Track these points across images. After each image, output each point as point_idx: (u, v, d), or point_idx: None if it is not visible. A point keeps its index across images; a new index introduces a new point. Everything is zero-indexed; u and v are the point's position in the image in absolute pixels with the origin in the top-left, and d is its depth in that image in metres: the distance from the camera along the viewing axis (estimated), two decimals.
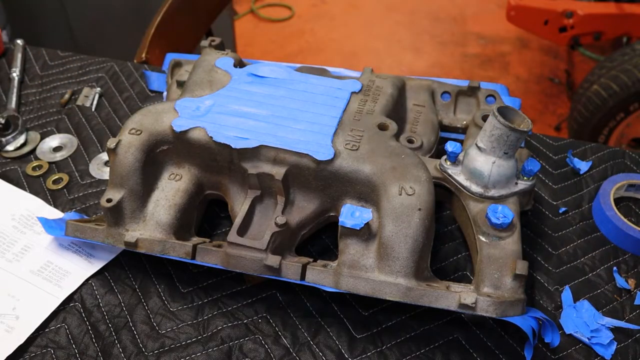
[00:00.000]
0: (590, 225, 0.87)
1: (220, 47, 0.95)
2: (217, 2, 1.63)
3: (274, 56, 2.76)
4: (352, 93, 0.82)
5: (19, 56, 1.14)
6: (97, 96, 1.07)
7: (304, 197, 0.77)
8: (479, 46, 2.82)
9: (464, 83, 0.90)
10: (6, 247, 0.83)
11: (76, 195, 0.90)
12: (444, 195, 0.79)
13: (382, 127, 0.78)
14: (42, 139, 0.99)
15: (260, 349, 0.73)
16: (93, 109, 1.05)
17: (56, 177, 0.93)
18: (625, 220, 0.84)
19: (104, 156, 0.96)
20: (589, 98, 1.82)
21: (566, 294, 0.78)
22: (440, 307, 0.67)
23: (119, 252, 0.82)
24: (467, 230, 0.77)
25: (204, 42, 0.93)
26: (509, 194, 0.74)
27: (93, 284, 0.79)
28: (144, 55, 1.28)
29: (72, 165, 0.95)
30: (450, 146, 0.74)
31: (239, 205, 0.77)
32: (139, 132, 0.77)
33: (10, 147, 0.97)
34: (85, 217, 0.85)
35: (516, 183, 0.74)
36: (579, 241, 0.85)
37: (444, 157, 0.76)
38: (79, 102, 1.06)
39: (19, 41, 1.16)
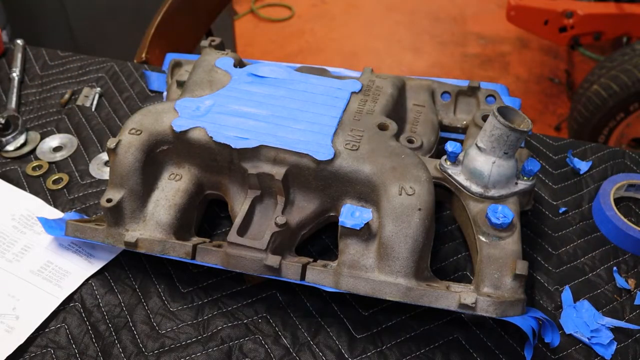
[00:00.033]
0: (590, 225, 0.87)
1: (220, 47, 0.95)
2: (217, 2, 1.63)
3: (274, 56, 2.76)
4: (352, 93, 0.82)
5: (19, 56, 1.14)
6: (97, 96, 1.07)
7: (304, 197, 0.77)
8: (479, 46, 2.82)
9: (464, 83, 0.90)
10: (6, 247, 0.83)
11: (76, 195, 0.90)
12: (444, 195, 0.79)
13: (382, 127, 0.78)
14: (42, 139, 0.99)
15: (260, 349, 0.73)
16: (93, 109, 1.05)
17: (56, 177, 0.93)
18: (625, 220, 0.84)
19: (104, 156, 0.97)
20: (589, 98, 1.82)
21: (566, 294, 0.78)
22: (440, 307, 0.67)
23: (119, 252, 0.82)
24: (467, 230, 0.77)
25: (204, 42, 0.94)
26: (509, 194, 0.74)
27: (93, 284, 0.80)
28: (144, 55, 1.28)
29: (72, 165, 0.95)
30: (450, 146, 0.74)
31: (239, 205, 0.77)
32: (139, 132, 0.77)
33: (10, 147, 0.97)
34: (85, 217, 0.85)
35: (516, 183, 0.74)
36: (579, 241, 0.85)
37: (444, 157, 0.76)
38: (79, 102, 1.06)
39: (19, 41, 1.16)
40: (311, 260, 0.74)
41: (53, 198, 0.90)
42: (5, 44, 1.18)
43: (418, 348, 0.73)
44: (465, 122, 0.88)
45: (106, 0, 1.89)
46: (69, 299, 0.78)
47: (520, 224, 0.72)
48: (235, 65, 0.87)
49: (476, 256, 0.72)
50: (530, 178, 0.75)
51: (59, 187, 0.91)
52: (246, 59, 0.94)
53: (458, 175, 0.75)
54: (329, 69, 0.92)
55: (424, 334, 0.74)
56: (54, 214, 0.87)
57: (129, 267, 0.81)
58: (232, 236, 0.72)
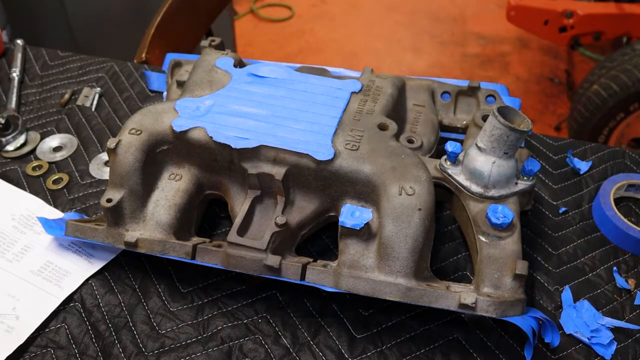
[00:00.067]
0: (590, 225, 0.87)
1: (220, 47, 0.95)
2: (217, 2, 1.63)
3: (274, 56, 2.76)
4: (352, 93, 0.82)
5: (19, 56, 1.14)
6: (97, 96, 1.07)
7: (304, 197, 0.77)
8: (479, 46, 2.82)
9: (464, 83, 0.90)
10: (6, 247, 0.83)
11: (76, 195, 0.90)
12: (444, 195, 0.79)
13: (382, 127, 0.78)
14: (42, 139, 0.99)
15: (260, 349, 0.73)
16: (93, 109, 1.05)
17: (56, 177, 0.93)
18: (625, 220, 0.84)
19: (104, 156, 0.96)
20: (589, 98, 1.82)
21: (566, 294, 0.78)
22: (440, 307, 0.67)
23: (119, 252, 0.82)
24: (467, 230, 0.77)
25: (204, 42, 0.93)
26: (509, 194, 0.74)
27: (93, 284, 0.80)
28: (144, 55, 1.28)
29: (72, 165, 0.95)
30: (450, 146, 0.74)
31: (239, 205, 0.77)
32: (139, 132, 0.77)
33: (10, 147, 0.97)
34: (85, 217, 0.85)
35: (516, 183, 0.74)
36: (579, 241, 0.85)
37: (444, 157, 0.76)
38: (79, 102, 1.06)
39: (19, 41, 1.16)
40: (311, 260, 0.74)
41: (53, 198, 0.90)
42: (5, 44, 1.18)
43: (418, 348, 0.73)
44: (465, 122, 0.88)
45: (106, 0, 1.89)
46: (69, 299, 0.78)
47: (520, 224, 0.72)
48: (235, 65, 0.87)
49: (476, 256, 0.72)
50: (530, 178, 0.75)
51: (59, 187, 0.92)
52: (246, 59, 0.94)
53: (458, 175, 0.75)
54: (329, 69, 0.92)
55: (424, 334, 0.74)
56: (54, 214, 0.87)
57: (129, 267, 0.81)
58: (232, 236, 0.72)
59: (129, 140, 0.77)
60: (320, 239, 0.84)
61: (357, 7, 3.12)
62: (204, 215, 0.85)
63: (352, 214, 0.70)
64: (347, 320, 0.76)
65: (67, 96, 1.07)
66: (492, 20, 2.95)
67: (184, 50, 1.35)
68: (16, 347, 0.72)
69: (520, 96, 1.38)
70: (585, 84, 1.88)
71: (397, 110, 0.84)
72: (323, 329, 0.75)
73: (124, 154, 0.76)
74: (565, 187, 0.92)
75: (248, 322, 0.76)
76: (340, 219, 0.70)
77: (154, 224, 0.76)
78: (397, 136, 0.78)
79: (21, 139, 0.98)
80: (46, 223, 0.82)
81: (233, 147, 0.74)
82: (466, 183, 0.75)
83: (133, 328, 0.75)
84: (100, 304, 0.77)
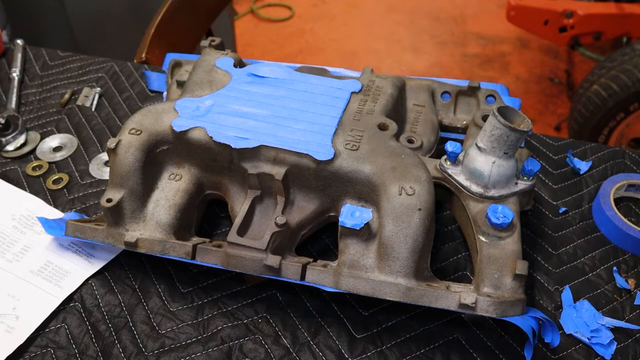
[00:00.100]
0: (590, 225, 0.87)
1: (220, 47, 0.95)
2: (217, 2, 1.63)
3: (274, 56, 2.76)
4: (352, 93, 0.82)
5: (19, 56, 1.14)
6: (97, 96, 1.07)
7: (304, 197, 0.77)
8: (479, 46, 2.82)
9: (464, 83, 0.90)
10: (6, 247, 0.83)
11: (76, 195, 0.90)
12: (444, 195, 0.79)
13: (382, 127, 0.78)
14: (42, 139, 0.99)
15: (260, 349, 0.73)
16: (93, 109, 1.05)
17: (56, 177, 0.93)
18: (625, 220, 0.84)
19: (104, 156, 0.97)
20: (589, 98, 1.82)
21: (566, 294, 0.78)
22: (440, 307, 0.67)
23: (119, 252, 0.82)
24: (467, 230, 0.77)
25: (204, 42, 0.93)
26: (509, 194, 0.74)
27: (93, 284, 0.80)
28: (144, 55, 1.28)
29: (72, 165, 0.95)
30: (450, 146, 0.74)
31: (239, 205, 0.77)
32: (139, 132, 0.77)
33: (10, 147, 0.97)
34: (85, 217, 0.85)
35: (516, 183, 0.74)
36: (579, 241, 0.85)
37: (444, 157, 0.76)
38: (79, 102, 1.06)
39: (19, 41, 1.16)
40: (311, 260, 0.74)
41: (53, 198, 0.90)
42: (5, 44, 1.18)
43: (418, 348, 0.73)
44: (465, 122, 0.88)
45: (106, 0, 1.89)
46: (69, 299, 0.78)
47: (520, 224, 0.72)
48: (235, 65, 0.87)
49: (476, 256, 0.72)
50: (530, 178, 0.75)
51: (59, 187, 0.92)
52: (246, 59, 0.94)
53: (458, 175, 0.75)
54: (329, 69, 0.92)
55: (424, 334, 0.74)
56: (54, 214, 0.87)
57: (129, 267, 0.81)
58: (232, 236, 0.72)
59: (129, 140, 0.77)
60: (320, 239, 0.84)
61: (357, 7, 3.13)
62: (204, 215, 0.85)
63: (352, 214, 0.70)
64: (347, 320, 0.76)
65: (67, 96, 1.07)
66: (492, 20, 2.95)
67: (184, 50, 1.35)
68: (16, 347, 0.72)
69: (520, 96, 1.38)
70: (585, 84, 1.88)
71: (397, 110, 0.84)
72: (323, 329, 0.75)
73: (124, 154, 0.76)
74: (565, 187, 0.92)
75: (248, 322, 0.76)
76: (340, 219, 0.70)
77: (154, 224, 0.76)
78: (397, 136, 0.78)
79: (21, 139, 0.98)
80: (46, 223, 0.82)
81: (233, 147, 0.74)
82: (466, 183, 0.75)
83: (133, 328, 0.75)
84: (100, 304, 0.77)
